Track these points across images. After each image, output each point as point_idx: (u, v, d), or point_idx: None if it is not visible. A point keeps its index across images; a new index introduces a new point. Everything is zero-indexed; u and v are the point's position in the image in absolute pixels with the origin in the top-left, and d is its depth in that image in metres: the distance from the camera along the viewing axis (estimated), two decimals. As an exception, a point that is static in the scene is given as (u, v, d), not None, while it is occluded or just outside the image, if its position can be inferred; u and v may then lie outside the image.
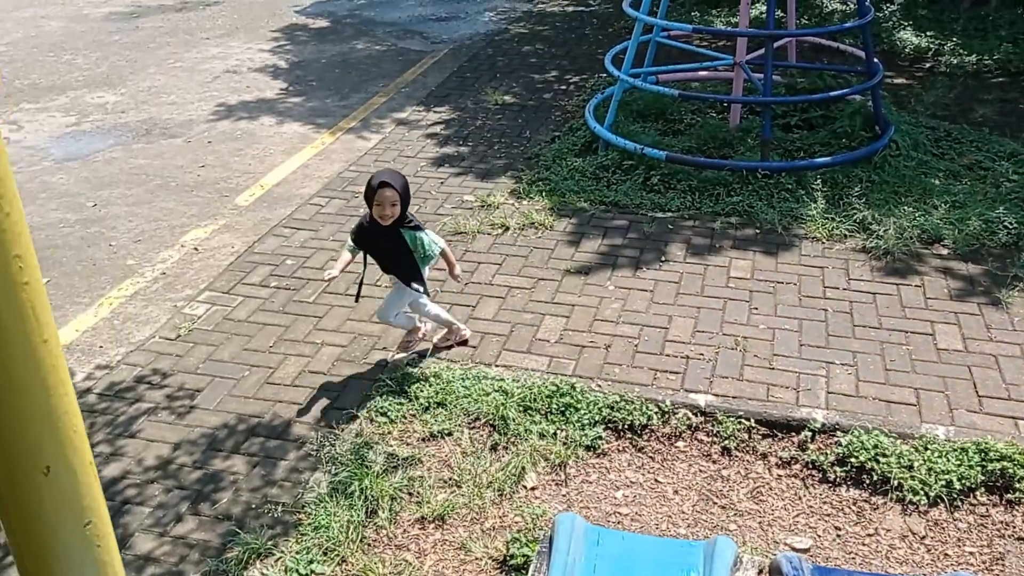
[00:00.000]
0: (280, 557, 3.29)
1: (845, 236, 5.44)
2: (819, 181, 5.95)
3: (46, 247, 5.63)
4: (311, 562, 3.26)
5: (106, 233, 5.93)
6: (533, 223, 5.72)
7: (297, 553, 3.30)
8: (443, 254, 4.30)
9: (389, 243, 4.18)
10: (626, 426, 3.92)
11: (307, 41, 10.45)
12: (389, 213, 4.08)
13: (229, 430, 4.01)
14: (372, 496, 3.53)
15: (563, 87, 8.48)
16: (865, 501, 3.56)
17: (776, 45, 6.97)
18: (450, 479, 3.67)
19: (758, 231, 5.56)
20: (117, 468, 3.80)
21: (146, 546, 3.39)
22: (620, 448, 3.86)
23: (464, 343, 4.55)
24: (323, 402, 4.16)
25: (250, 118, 7.98)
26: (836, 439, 3.78)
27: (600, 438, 3.86)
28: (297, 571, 3.22)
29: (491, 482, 3.63)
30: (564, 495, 3.61)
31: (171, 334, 4.74)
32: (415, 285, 4.25)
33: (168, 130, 7.74)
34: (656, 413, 3.96)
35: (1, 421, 0.89)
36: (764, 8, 9.12)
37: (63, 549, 0.99)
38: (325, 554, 3.29)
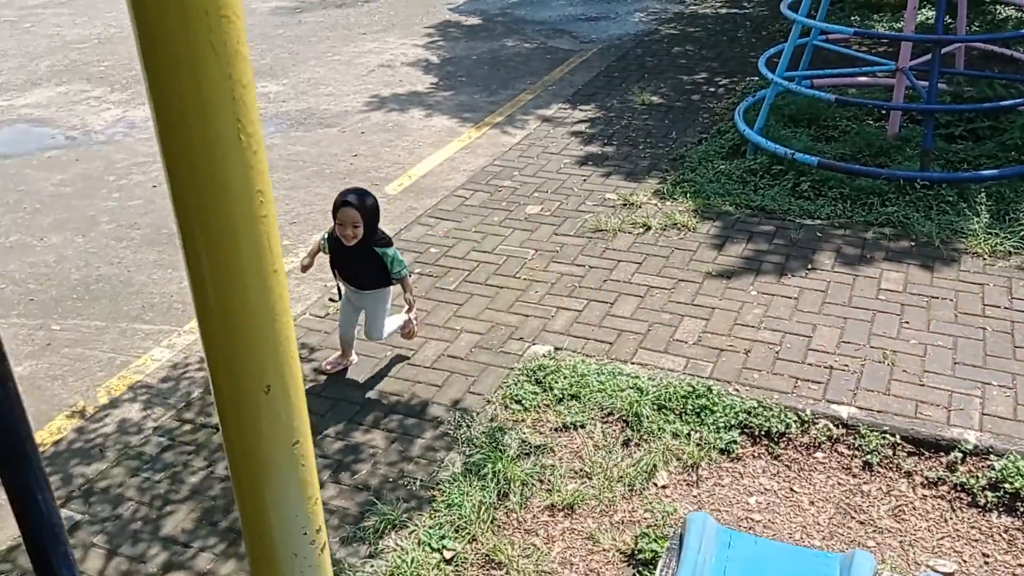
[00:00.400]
0: (414, 530, 3.41)
1: (1010, 253, 5.13)
2: (983, 195, 5.65)
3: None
4: (443, 538, 3.35)
5: (265, 214, 6.26)
6: (676, 224, 5.67)
7: (430, 528, 3.40)
8: (404, 283, 4.15)
9: (364, 262, 4.09)
10: (763, 432, 3.84)
11: (459, 38, 10.70)
12: (350, 233, 3.90)
13: (370, 406, 4.18)
14: (504, 479, 3.60)
15: (712, 89, 8.36)
16: (1018, 530, 3.36)
17: (944, 51, 6.65)
18: (581, 470, 3.70)
19: (913, 243, 5.32)
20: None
21: (290, 508, 3.57)
22: (755, 454, 3.79)
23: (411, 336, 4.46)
24: (459, 386, 4.27)
25: (401, 111, 8.24)
26: (989, 463, 3.58)
27: (735, 442, 3.80)
28: (429, 545, 3.33)
29: (622, 476, 3.64)
30: (695, 496, 3.58)
31: (320, 312, 4.97)
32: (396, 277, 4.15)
33: (324, 120, 8.10)
34: (795, 422, 3.86)
35: (235, 341, 0.99)
36: (931, 13, 8.72)
37: (274, 466, 1.08)
38: (456, 531, 3.39)
